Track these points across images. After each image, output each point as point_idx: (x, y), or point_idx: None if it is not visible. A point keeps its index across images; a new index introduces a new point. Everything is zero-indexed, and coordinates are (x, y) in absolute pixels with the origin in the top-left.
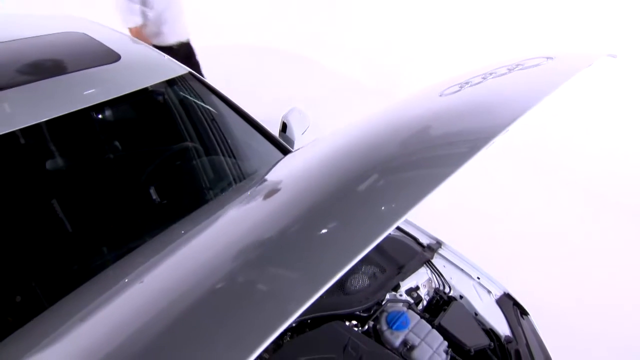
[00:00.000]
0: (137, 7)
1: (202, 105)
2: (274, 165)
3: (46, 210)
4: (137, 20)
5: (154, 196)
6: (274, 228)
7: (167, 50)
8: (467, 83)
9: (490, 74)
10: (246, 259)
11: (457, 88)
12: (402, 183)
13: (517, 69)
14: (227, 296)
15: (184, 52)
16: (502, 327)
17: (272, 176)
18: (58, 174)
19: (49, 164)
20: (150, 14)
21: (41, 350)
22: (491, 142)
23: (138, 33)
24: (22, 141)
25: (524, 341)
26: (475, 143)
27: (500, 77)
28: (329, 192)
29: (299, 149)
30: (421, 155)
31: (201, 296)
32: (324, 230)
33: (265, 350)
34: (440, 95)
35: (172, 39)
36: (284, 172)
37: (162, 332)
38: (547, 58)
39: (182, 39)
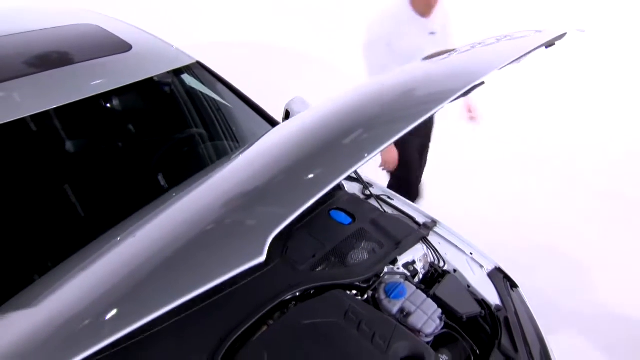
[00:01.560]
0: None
1: (210, 92)
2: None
3: (56, 192)
4: None
5: (162, 182)
6: (260, 175)
7: None
8: (455, 51)
9: (480, 43)
10: (233, 198)
11: (445, 56)
12: (373, 130)
13: (504, 39)
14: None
15: None
16: (492, 298)
17: (259, 143)
18: (74, 156)
19: (66, 147)
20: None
21: (47, 296)
22: (459, 94)
23: None
24: (40, 126)
25: (513, 310)
26: (442, 96)
27: (487, 47)
28: (313, 142)
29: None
30: (393, 108)
31: (195, 229)
32: (308, 167)
33: (270, 317)
34: (429, 62)
35: None
36: (271, 137)
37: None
38: (536, 32)
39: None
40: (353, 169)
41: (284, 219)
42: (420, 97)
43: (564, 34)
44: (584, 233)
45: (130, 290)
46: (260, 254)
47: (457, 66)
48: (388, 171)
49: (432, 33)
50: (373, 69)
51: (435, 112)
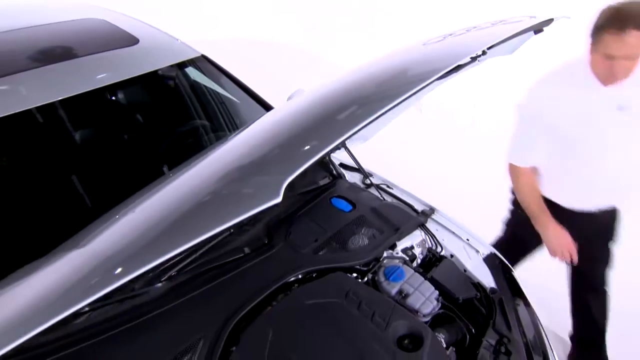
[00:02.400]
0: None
1: (214, 85)
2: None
3: (63, 181)
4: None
5: (167, 172)
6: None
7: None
8: (451, 34)
9: (474, 27)
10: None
11: (441, 38)
12: (366, 103)
13: (499, 23)
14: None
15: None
16: (488, 281)
17: (264, 118)
18: (83, 145)
19: (76, 137)
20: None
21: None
22: (444, 71)
23: (526, 176)
24: (50, 116)
25: (507, 292)
26: (429, 74)
27: (482, 30)
28: (308, 116)
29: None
30: (385, 86)
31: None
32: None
33: (274, 298)
34: (424, 45)
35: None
36: (267, 118)
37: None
38: (530, 17)
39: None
40: (364, 121)
41: (297, 168)
42: (410, 76)
43: (551, 20)
44: None
45: (168, 225)
46: (277, 195)
47: (449, 47)
48: (567, 263)
49: (620, 108)
50: (520, 147)
51: (422, 88)
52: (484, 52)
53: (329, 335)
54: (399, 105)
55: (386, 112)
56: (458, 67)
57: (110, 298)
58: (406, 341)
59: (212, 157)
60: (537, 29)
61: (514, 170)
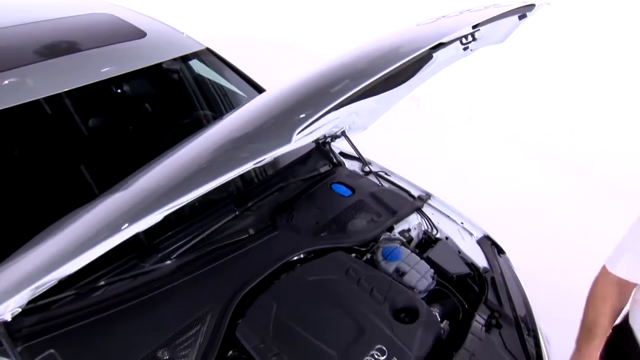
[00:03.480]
0: None
1: (218, 77)
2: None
3: (72, 167)
4: None
5: None
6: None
7: None
8: (444, 16)
9: (468, 10)
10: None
11: (434, 19)
12: (357, 76)
13: (491, 6)
14: None
15: None
16: (481, 261)
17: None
18: (93, 133)
19: (86, 125)
20: None
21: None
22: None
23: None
24: (60, 106)
25: (499, 271)
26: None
27: (474, 12)
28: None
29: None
30: (378, 62)
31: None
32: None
33: (277, 278)
34: (417, 25)
35: None
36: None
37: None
38: (524, 2)
39: None
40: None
41: (308, 120)
42: (401, 52)
43: (532, 5)
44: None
45: (200, 165)
46: (289, 141)
47: (439, 27)
48: None
49: None
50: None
51: (411, 60)
52: (474, 38)
53: (330, 309)
54: (395, 92)
55: (376, 83)
56: (454, 56)
57: (127, 273)
58: (403, 314)
59: (228, 120)
60: (521, 14)
61: (602, 277)
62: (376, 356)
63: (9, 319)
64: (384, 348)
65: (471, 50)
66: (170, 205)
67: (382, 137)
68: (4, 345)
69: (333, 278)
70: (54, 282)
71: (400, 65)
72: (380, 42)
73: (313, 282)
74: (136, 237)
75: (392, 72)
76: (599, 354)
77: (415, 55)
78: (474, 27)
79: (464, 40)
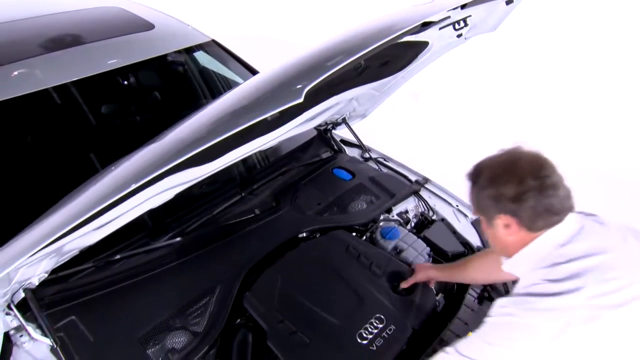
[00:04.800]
0: None
1: (224, 68)
2: None
3: (82, 152)
4: None
5: None
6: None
7: None
8: None
9: None
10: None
11: (428, 0)
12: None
13: None
14: None
15: None
16: (475, 241)
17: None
18: (104, 119)
19: (98, 111)
20: None
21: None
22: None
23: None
24: (72, 93)
25: None
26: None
27: None
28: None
29: None
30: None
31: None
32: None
33: (282, 254)
34: (413, 5)
35: None
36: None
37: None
38: None
39: None
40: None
41: (317, 78)
42: (392, 29)
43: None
44: None
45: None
46: (299, 97)
47: (432, 6)
48: None
49: None
50: None
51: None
52: (466, 24)
53: (331, 282)
54: (394, 79)
55: (367, 56)
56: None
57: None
58: (403, 284)
59: (239, 88)
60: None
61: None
62: (375, 324)
63: (37, 283)
64: (382, 317)
65: (465, 38)
66: (194, 153)
67: (381, 132)
68: (31, 311)
69: (334, 254)
70: (76, 251)
71: (397, 37)
72: (376, 23)
73: (315, 258)
74: (148, 216)
75: (395, 40)
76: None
77: (407, 29)
78: (462, 7)
79: (456, 26)
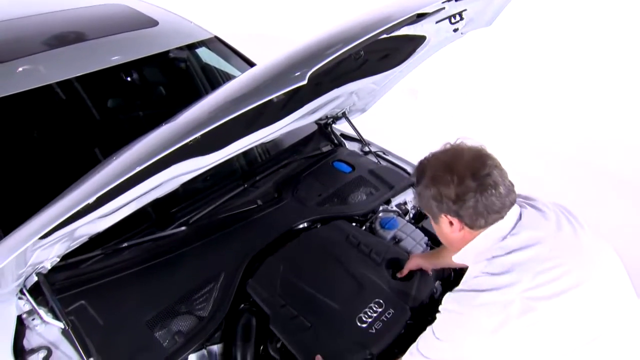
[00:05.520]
0: None
1: (226, 63)
2: None
3: (88, 143)
4: None
5: None
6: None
7: None
8: None
9: None
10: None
11: None
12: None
13: None
14: None
15: None
16: None
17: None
18: (111, 112)
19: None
20: None
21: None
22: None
23: None
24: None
25: None
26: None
27: None
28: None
29: None
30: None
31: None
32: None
33: (283, 244)
34: None
35: None
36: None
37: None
38: None
39: None
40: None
41: (322, 61)
42: (389, 19)
43: None
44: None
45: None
46: (303, 79)
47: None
48: None
49: None
50: None
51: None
52: (461, 17)
53: (332, 269)
54: (392, 73)
55: (363, 44)
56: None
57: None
58: (399, 274)
59: (244, 75)
60: None
61: None
62: (374, 308)
63: (49, 267)
64: (381, 301)
65: (462, 33)
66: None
67: (381, 128)
68: (42, 296)
69: (335, 243)
70: (86, 238)
71: (394, 26)
72: (373, 14)
73: (316, 246)
74: (154, 207)
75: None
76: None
77: (403, 18)
78: None
79: (452, 20)
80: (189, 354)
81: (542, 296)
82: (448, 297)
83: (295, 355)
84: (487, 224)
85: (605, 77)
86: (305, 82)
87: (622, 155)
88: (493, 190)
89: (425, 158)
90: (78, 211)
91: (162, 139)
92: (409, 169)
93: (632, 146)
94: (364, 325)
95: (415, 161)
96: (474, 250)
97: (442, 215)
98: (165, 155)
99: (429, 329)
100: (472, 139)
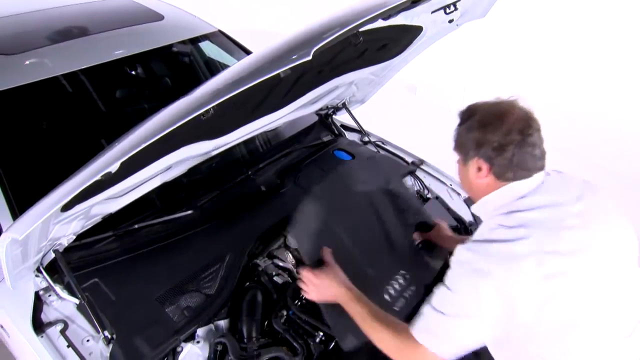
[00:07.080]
0: None
1: (230, 57)
2: None
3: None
4: None
5: None
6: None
7: None
8: None
9: None
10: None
11: None
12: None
13: None
14: None
15: None
16: (467, 216)
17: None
18: (119, 103)
19: (118, 93)
20: None
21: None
22: None
23: None
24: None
25: None
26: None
27: None
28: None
29: None
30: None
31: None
32: None
33: (281, 233)
34: None
35: None
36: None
37: None
38: None
39: None
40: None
41: (324, 40)
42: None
43: None
44: None
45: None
46: (308, 55)
47: None
48: None
49: None
50: None
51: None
52: (455, 7)
53: (368, 218)
54: (390, 64)
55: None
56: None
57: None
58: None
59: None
60: None
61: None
62: (399, 281)
63: (65, 244)
64: (407, 275)
65: (457, 25)
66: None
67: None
68: (57, 274)
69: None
70: (99, 218)
71: (389, 10)
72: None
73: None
74: (163, 193)
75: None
76: None
77: (398, 2)
78: None
79: (447, 10)
80: (197, 327)
81: (555, 251)
82: (460, 249)
83: (302, 326)
84: (515, 178)
85: (604, 75)
86: (310, 57)
87: (620, 151)
88: (531, 149)
89: (476, 103)
90: (97, 181)
91: (180, 109)
92: (407, 158)
93: (630, 140)
94: (390, 300)
95: (414, 155)
96: (493, 202)
97: (475, 159)
98: (183, 124)
99: (440, 286)
100: (524, 100)
